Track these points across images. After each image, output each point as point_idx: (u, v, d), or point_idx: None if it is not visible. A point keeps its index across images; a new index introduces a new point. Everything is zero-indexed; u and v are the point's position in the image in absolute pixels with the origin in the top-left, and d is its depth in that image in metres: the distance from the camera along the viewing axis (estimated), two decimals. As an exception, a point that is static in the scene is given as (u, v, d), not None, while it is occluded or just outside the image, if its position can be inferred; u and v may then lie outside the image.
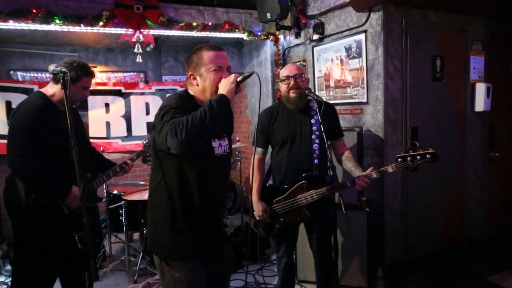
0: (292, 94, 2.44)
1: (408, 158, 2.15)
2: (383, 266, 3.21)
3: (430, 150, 2.10)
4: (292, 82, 2.43)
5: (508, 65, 3.96)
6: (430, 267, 3.46)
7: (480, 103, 3.63)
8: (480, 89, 3.62)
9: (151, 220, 1.77)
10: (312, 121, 2.46)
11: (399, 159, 2.19)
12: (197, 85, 1.70)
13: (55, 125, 2.15)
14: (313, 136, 2.42)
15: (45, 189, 2.13)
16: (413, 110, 3.33)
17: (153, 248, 1.78)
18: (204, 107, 1.52)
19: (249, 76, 1.65)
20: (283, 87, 2.49)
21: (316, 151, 2.42)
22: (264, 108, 2.67)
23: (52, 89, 2.23)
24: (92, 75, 2.31)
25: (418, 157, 2.13)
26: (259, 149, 2.54)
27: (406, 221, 3.37)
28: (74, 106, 2.39)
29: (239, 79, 1.63)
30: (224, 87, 1.60)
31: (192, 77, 1.71)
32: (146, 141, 2.98)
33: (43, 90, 2.24)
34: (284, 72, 2.50)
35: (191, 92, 1.75)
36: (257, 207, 2.41)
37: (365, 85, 3.35)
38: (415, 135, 3.35)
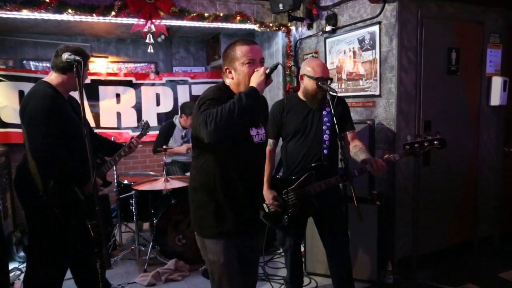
0: (319, 95, 2.40)
1: (416, 145, 2.13)
2: (393, 260, 3.19)
3: (438, 136, 2.08)
4: (324, 85, 2.32)
5: (526, 58, 3.86)
6: (441, 262, 3.43)
7: (496, 97, 3.56)
8: (497, 82, 3.55)
9: (194, 202, 1.90)
10: (324, 112, 2.45)
11: (406, 146, 2.16)
12: (232, 78, 1.80)
13: (65, 114, 2.17)
14: (324, 127, 2.42)
15: (68, 176, 2.15)
16: (426, 104, 3.28)
17: (195, 227, 1.91)
18: (234, 99, 1.62)
19: (275, 67, 1.73)
20: (310, 84, 2.39)
21: (326, 142, 2.42)
22: (276, 100, 2.67)
23: (57, 79, 2.21)
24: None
25: (426, 143, 2.11)
26: (270, 141, 2.53)
27: (417, 216, 3.34)
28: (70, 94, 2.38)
29: (267, 71, 1.70)
30: (255, 79, 1.69)
31: (227, 71, 1.81)
32: (143, 122, 3.08)
33: (47, 79, 2.23)
34: (317, 70, 2.38)
35: (228, 84, 1.84)
36: (267, 195, 2.43)
37: (378, 78, 3.30)
38: (428, 129, 3.29)
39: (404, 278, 3.16)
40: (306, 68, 2.44)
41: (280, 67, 1.74)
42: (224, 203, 1.81)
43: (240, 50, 1.75)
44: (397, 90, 3.15)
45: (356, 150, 2.41)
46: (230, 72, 1.80)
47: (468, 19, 3.45)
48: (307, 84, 2.42)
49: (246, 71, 1.74)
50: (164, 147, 3.64)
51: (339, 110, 2.37)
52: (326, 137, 2.42)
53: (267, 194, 2.43)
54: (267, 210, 2.47)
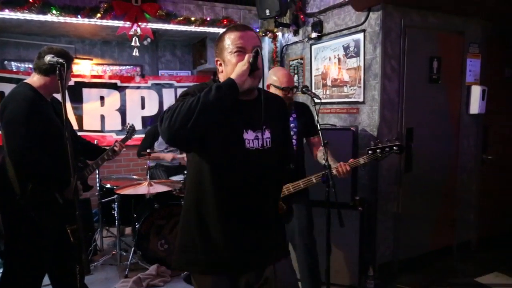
0: (286, 102, 2.46)
1: (378, 150, 2.27)
2: (374, 265, 3.23)
3: (397, 143, 2.25)
4: (289, 94, 2.49)
5: (503, 68, 3.98)
6: (420, 267, 3.47)
7: (475, 105, 3.65)
8: (476, 91, 3.64)
9: (180, 222, 1.58)
10: (291, 119, 2.56)
11: (369, 151, 2.28)
12: (222, 71, 1.51)
13: (46, 116, 2.13)
14: (291, 133, 2.49)
15: (48, 180, 2.11)
16: (409, 111, 3.34)
17: (175, 255, 1.57)
18: (201, 93, 1.33)
19: (256, 53, 1.41)
20: (277, 92, 2.45)
21: (293, 147, 2.49)
22: None
23: (40, 81, 2.17)
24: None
25: (387, 149, 2.25)
26: None
27: (399, 221, 3.39)
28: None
29: (250, 59, 1.39)
30: (236, 70, 1.38)
31: (218, 62, 1.53)
32: (129, 126, 3.05)
33: (29, 81, 2.18)
34: (282, 80, 2.48)
35: (220, 80, 1.53)
36: None
37: (362, 85, 3.35)
38: (410, 136, 3.36)
39: (385, 283, 3.20)
40: (272, 77, 2.53)
41: (259, 51, 1.42)
42: (212, 226, 1.45)
43: (228, 38, 1.46)
44: (381, 97, 3.20)
45: (321, 154, 2.47)
46: (220, 65, 1.52)
47: (449, 29, 3.54)
48: (274, 93, 2.49)
49: (234, 61, 1.43)
50: (148, 151, 3.61)
51: (305, 116, 2.56)
52: (293, 142, 2.50)
53: None
54: None
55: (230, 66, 1.44)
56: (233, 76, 1.37)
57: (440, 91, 3.54)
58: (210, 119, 1.32)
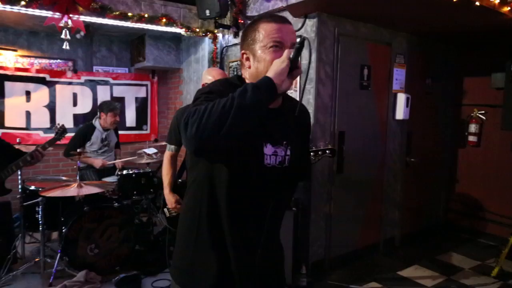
0: None
1: (312, 153, 2.37)
2: (307, 263, 3.34)
3: (330, 147, 2.39)
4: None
5: (425, 78, 4.35)
6: (351, 263, 3.67)
7: (400, 112, 3.94)
8: (401, 99, 3.93)
9: (177, 236, 1.44)
10: None
11: None
12: (249, 67, 1.30)
13: None
14: None
15: None
16: (341, 115, 3.51)
17: (170, 269, 1.46)
18: (235, 93, 1.11)
19: (301, 46, 1.18)
20: None
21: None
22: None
23: None
24: None
25: (320, 152, 2.37)
26: (172, 146, 2.64)
27: (331, 221, 3.55)
28: None
29: (291, 55, 1.17)
30: (273, 67, 1.16)
31: (244, 56, 1.32)
32: (59, 126, 2.86)
33: None
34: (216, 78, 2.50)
35: (244, 76, 1.35)
36: (169, 199, 2.47)
37: (298, 89, 3.46)
38: (342, 139, 3.54)
39: (317, 281, 3.33)
40: (207, 77, 2.52)
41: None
42: (209, 246, 1.30)
43: (263, 29, 1.25)
44: (315, 102, 3.33)
45: None
46: (247, 59, 1.30)
47: (378, 40, 3.79)
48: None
49: (268, 58, 1.23)
50: (78, 150, 3.41)
51: None
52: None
53: (169, 197, 2.49)
54: (168, 215, 2.48)
55: (264, 63, 1.24)
56: (270, 74, 1.14)
57: (370, 97, 3.77)
58: (247, 125, 1.11)
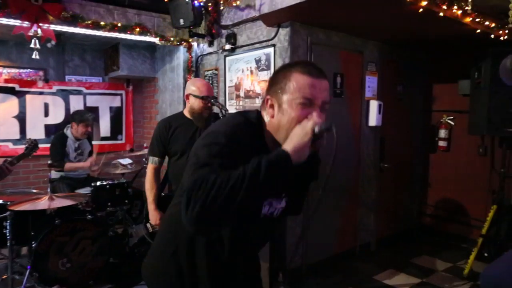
0: (205, 113, 2.48)
1: None
2: (284, 271, 3.34)
3: None
4: (209, 104, 2.48)
5: (396, 86, 4.47)
6: (327, 269, 3.69)
7: (373, 118, 4.03)
8: (373, 106, 4.02)
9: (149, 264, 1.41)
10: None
11: None
12: (272, 116, 1.19)
13: None
14: None
15: None
16: (315, 123, 3.55)
17: None
18: (246, 168, 1.00)
19: (329, 128, 1.12)
20: (197, 103, 2.47)
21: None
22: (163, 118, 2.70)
23: None
24: None
25: None
26: (156, 159, 2.55)
27: (307, 227, 3.57)
28: None
29: (317, 129, 1.09)
30: (295, 137, 1.08)
31: (268, 102, 1.20)
32: (30, 141, 2.76)
33: None
34: (202, 90, 2.48)
35: (265, 119, 1.23)
36: (154, 215, 2.40)
37: (272, 97, 3.49)
38: (317, 146, 3.57)
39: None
40: (191, 87, 2.51)
41: (332, 128, 1.12)
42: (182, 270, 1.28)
43: (296, 81, 1.14)
44: (289, 109, 3.35)
45: None
46: (271, 107, 1.19)
47: (350, 49, 3.87)
48: (193, 103, 2.49)
49: (294, 115, 1.13)
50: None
51: None
52: None
53: (154, 214, 2.42)
54: (151, 230, 2.43)
55: (288, 117, 1.14)
56: (289, 147, 1.05)
57: (343, 105, 3.84)
58: (255, 203, 1.06)
